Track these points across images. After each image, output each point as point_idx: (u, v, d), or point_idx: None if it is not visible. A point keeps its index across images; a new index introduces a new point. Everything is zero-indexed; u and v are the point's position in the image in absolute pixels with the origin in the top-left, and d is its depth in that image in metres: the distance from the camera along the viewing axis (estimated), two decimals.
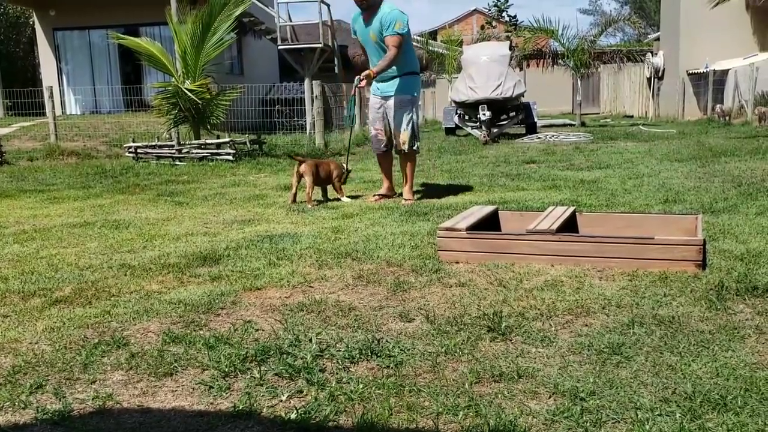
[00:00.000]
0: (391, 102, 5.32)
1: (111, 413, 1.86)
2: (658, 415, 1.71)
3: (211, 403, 1.90)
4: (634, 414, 1.71)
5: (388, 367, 2.07)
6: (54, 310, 2.76)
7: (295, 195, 5.46)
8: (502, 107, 12.86)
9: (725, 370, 1.94)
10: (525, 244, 3.24)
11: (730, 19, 16.53)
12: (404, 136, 5.32)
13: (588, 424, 1.68)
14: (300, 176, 5.37)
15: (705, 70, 16.99)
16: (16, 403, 1.92)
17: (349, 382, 1.97)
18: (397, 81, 5.29)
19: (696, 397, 1.78)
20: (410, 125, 5.33)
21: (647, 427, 1.65)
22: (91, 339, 2.40)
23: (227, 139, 9.76)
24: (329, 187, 5.65)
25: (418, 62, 5.58)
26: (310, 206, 5.22)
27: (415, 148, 5.43)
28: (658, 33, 22.25)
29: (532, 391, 1.88)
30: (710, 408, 1.72)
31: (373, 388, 1.92)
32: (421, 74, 5.77)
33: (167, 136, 10.34)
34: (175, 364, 2.15)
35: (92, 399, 1.94)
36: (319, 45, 16.72)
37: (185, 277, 3.20)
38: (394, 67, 5.23)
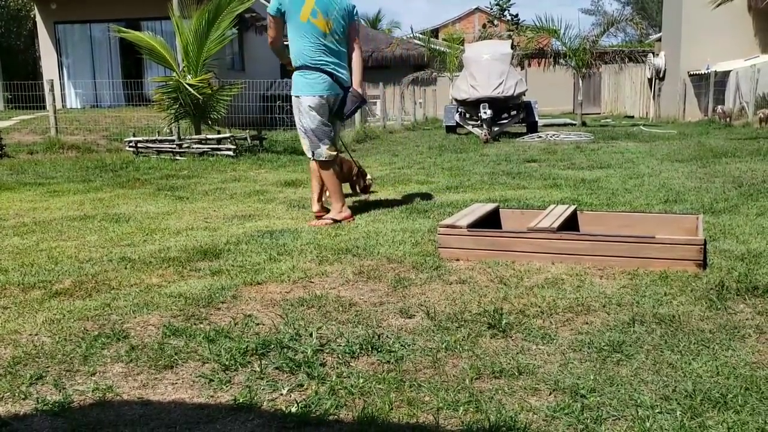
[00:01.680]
0: None
1: (111, 405, 1.86)
2: (658, 412, 1.71)
3: (212, 396, 1.90)
4: (635, 411, 1.71)
5: (389, 362, 2.07)
6: (54, 302, 2.76)
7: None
8: (503, 106, 12.86)
9: (725, 369, 1.94)
10: (526, 242, 3.24)
11: (732, 20, 16.51)
12: (303, 143, 4.51)
13: (588, 420, 1.68)
14: None
15: (706, 72, 16.98)
16: (16, 394, 1.92)
17: (349, 377, 1.97)
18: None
19: (696, 395, 1.78)
20: (301, 131, 4.43)
21: (648, 424, 1.65)
22: (91, 331, 2.40)
23: (228, 135, 9.75)
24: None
25: (309, 54, 4.33)
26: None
27: (316, 156, 4.39)
28: (660, 34, 22.24)
29: (532, 387, 1.88)
30: (710, 406, 1.73)
31: (374, 382, 1.93)
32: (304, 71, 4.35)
33: (168, 130, 10.33)
34: (176, 357, 2.15)
35: (92, 391, 1.94)
36: None
37: (185, 271, 3.20)
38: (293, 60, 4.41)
